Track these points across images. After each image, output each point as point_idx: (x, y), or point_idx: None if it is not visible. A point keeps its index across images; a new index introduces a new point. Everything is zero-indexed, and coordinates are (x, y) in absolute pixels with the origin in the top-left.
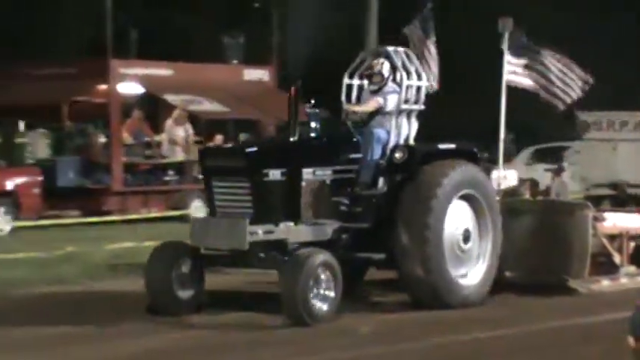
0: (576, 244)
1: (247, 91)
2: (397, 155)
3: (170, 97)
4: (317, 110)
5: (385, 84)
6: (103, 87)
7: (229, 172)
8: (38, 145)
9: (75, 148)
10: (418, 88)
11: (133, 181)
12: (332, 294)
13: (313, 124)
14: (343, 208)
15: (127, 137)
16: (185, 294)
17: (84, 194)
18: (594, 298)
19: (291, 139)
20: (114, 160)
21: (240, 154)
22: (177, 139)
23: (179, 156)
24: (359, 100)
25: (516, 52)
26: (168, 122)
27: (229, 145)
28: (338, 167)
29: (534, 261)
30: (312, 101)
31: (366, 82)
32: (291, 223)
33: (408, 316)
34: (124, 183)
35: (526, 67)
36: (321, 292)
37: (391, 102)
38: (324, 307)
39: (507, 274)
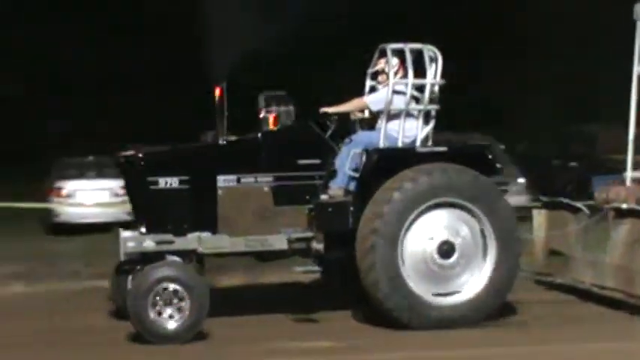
0: None
1: None
2: (365, 160)
3: None
4: (273, 111)
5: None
6: None
7: (126, 182)
8: None
9: None
10: (422, 87)
11: None
12: (183, 313)
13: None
14: (298, 216)
15: None
16: None
17: None
18: None
19: (220, 143)
20: None
21: (129, 163)
22: None
23: None
24: None
25: None
26: None
27: (129, 152)
28: (287, 174)
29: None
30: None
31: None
32: (206, 233)
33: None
34: None
35: None
36: (168, 309)
37: (379, 102)
38: (171, 325)
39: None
